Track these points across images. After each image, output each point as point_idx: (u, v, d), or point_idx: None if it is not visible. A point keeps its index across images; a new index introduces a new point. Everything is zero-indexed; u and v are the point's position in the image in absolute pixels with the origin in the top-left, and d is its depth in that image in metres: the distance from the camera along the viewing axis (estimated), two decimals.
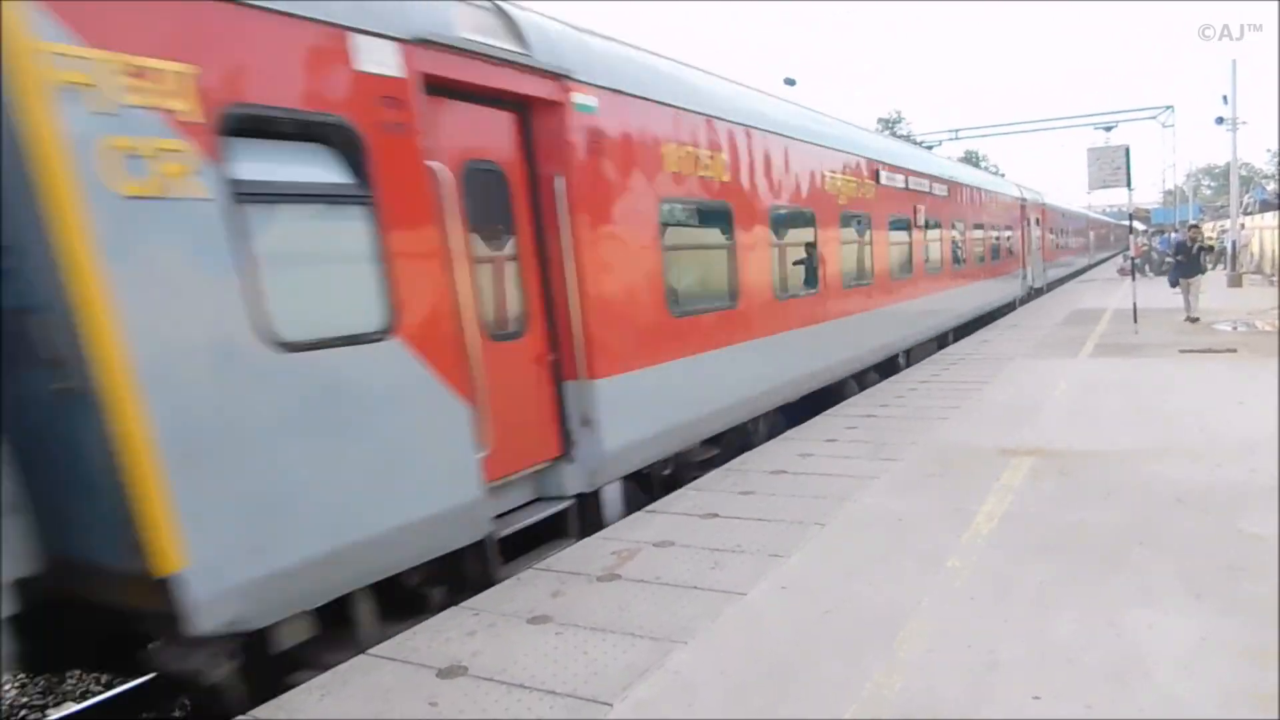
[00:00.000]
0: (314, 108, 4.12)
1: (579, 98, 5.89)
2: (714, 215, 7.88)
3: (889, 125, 67.54)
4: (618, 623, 4.30)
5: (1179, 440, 7.23)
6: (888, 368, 12.77)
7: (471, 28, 5.10)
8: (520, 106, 5.64)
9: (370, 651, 4.18)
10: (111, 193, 3.25)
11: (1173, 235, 28.48)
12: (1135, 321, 15.74)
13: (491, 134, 5.52)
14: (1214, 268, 25.20)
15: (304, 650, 4.17)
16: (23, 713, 6.36)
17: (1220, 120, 31.62)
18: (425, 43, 4.69)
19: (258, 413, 3.73)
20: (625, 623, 4.30)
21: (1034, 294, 26.09)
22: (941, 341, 16.03)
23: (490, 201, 5.46)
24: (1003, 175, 39.70)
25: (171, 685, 3.88)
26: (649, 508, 6.38)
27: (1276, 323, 15.76)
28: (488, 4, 5.39)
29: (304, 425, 3.96)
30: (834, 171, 10.30)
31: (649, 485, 6.94)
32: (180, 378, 3.44)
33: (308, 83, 4.11)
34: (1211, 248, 20.91)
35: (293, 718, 3.61)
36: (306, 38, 4.07)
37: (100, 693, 5.94)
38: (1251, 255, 32.99)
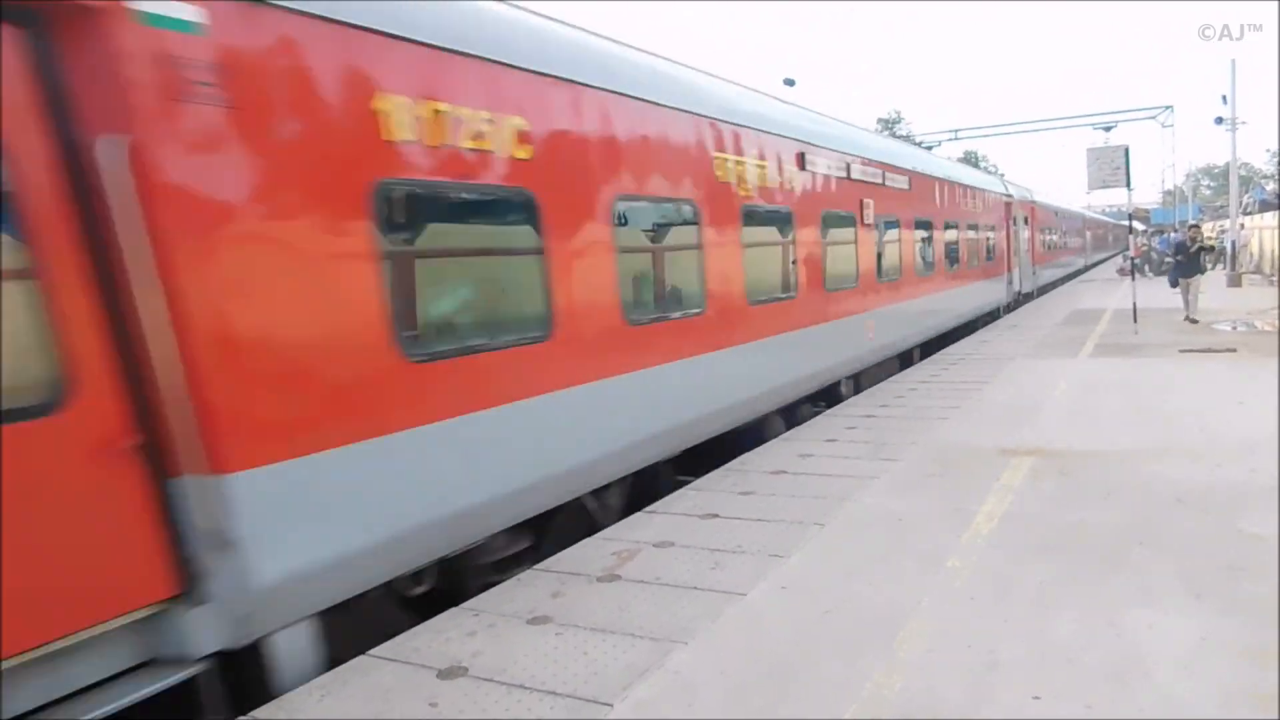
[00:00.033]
0: None
1: (155, 5, 3.60)
2: (497, 207, 5.51)
3: (889, 125, 67.59)
4: (618, 623, 4.30)
5: (1179, 440, 7.24)
6: (829, 394, 10.69)
7: None
8: (26, 18, 3.41)
9: (370, 652, 4.17)
10: None
11: (1172, 235, 28.50)
12: (1135, 321, 15.74)
13: None
14: (1213, 268, 25.21)
15: None
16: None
17: (1220, 120, 31.67)
18: None
19: None
20: (625, 623, 4.30)
21: (1022, 300, 24.03)
22: (906, 359, 13.98)
23: None
24: (1002, 175, 39.40)
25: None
26: (649, 508, 6.37)
27: (1276, 322, 15.77)
28: None
29: None
30: (732, 154, 7.93)
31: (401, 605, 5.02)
32: None
33: None
34: (1211, 248, 20.89)
35: (293, 718, 3.61)
36: None
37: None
38: (1251, 255, 33.03)
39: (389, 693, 3.74)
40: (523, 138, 5.40)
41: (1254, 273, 31.09)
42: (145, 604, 3.68)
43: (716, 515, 6.00)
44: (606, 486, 6.44)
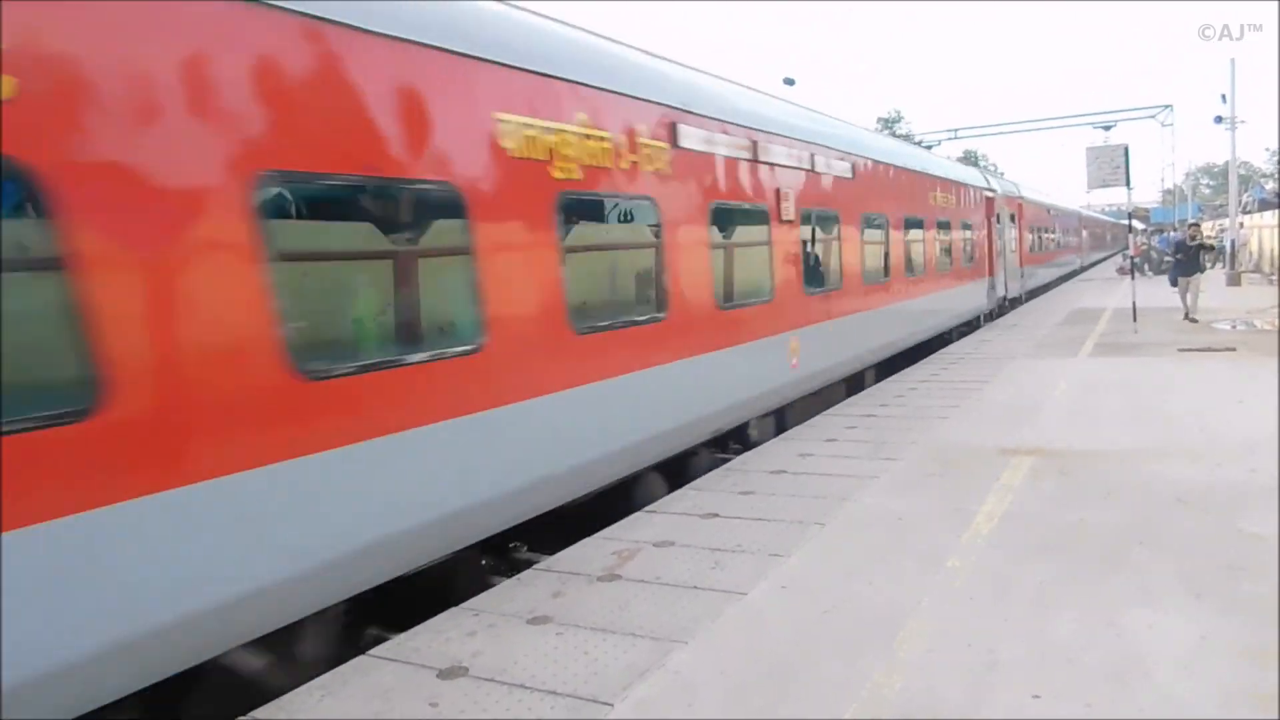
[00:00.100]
0: None
1: None
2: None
3: (889, 125, 67.51)
4: (618, 623, 4.30)
5: (1179, 440, 7.24)
6: (738, 433, 8.57)
7: None
8: None
9: (371, 652, 4.17)
10: None
11: (1172, 234, 28.54)
12: (1135, 321, 15.75)
13: None
14: (1213, 266, 25.22)
15: None
16: None
17: (1219, 119, 31.72)
18: None
19: None
20: (626, 623, 4.30)
21: (1008, 306, 21.84)
22: (856, 384, 11.72)
23: None
24: (1002, 174, 39.11)
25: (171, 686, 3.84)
26: (649, 508, 6.38)
27: (1276, 322, 15.77)
28: None
29: None
30: (542, 119, 5.61)
31: None
32: None
33: None
34: (1211, 246, 20.88)
35: (293, 718, 3.61)
36: None
37: None
38: (1250, 254, 33.05)
39: (389, 693, 3.73)
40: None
41: (1253, 271, 31.11)
42: None
43: (717, 515, 6.00)
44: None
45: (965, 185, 17.97)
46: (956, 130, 50.54)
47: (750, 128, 8.44)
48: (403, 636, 4.33)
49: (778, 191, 8.93)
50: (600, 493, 6.27)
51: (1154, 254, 32.97)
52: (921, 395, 10.45)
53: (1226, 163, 36.00)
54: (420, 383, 4.67)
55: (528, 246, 5.58)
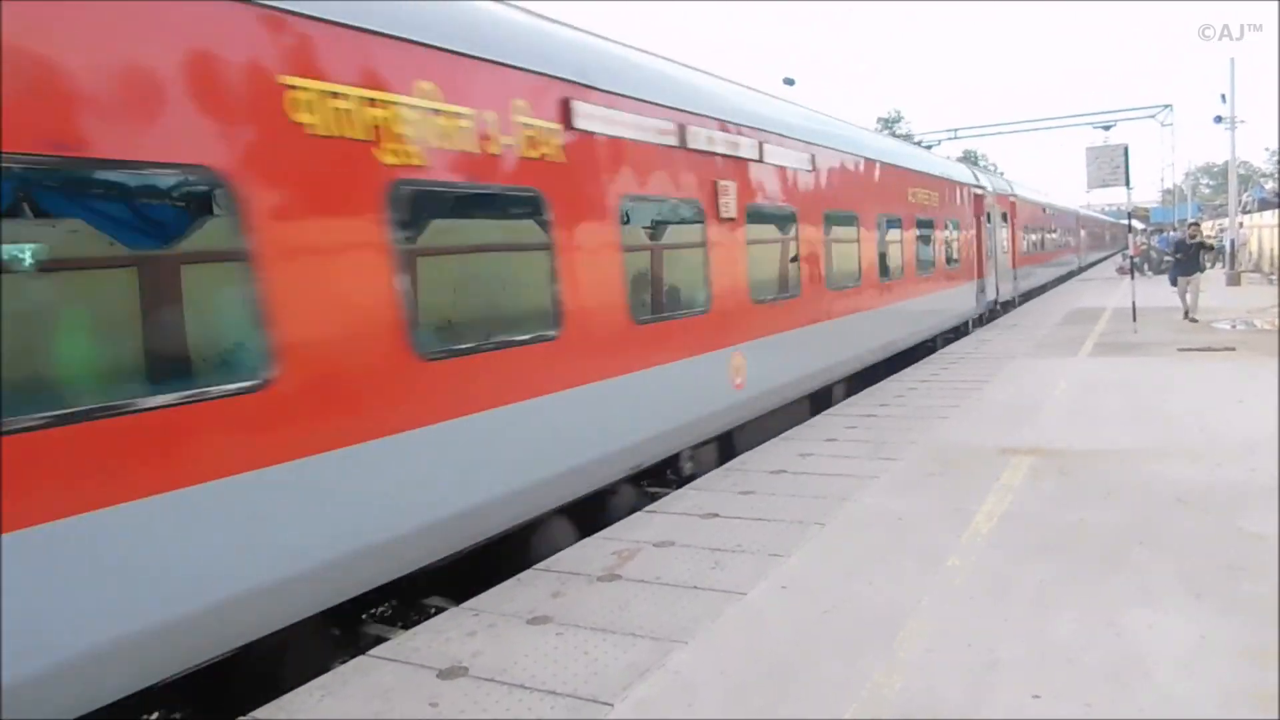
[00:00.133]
0: None
1: None
2: None
3: (889, 125, 67.52)
4: (618, 623, 4.30)
5: (1179, 440, 7.24)
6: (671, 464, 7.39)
7: None
8: None
9: (371, 652, 4.17)
10: None
11: (1171, 234, 28.54)
12: (1134, 320, 15.75)
13: None
14: (1213, 266, 25.23)
15: None
16: None
17: (1219, 119, 31.69)
18: None
19: None
20: (626, 623, 4.30)
21: (998, 310, 20.78)
22: (822, 400, 10.43)
23: None
24: (1002, 173, 38.97)
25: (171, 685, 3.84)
26: (649, 508, 6.38)
27: (1276, 321, 15.78)
28: None
29: None
30: (381, 93, 4.51)
31: None
32: None
33: None
34: (1211, 246, 20.88)
35: (293, 718, 3.61)
36: None
37: None
38: (1250, 254, 33.07)
39: (389, 693, 3.74)
40: None
41: (1253, 271, 31.13)
42: None
43: (717, 515, 6.00)
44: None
45: (951, 181, 16.76)
46: (956, 130, 50.54)
47: (679, 109, 7.14)
48: (403, 636, 4.34)
49: (715, 185, 7.61)
50: (485, 545, 5.28)
51: (1154, 254, 33.01)
52: (921, 395, 10.45)
53: (1226, 162, 35.98)
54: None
55: (337, 250, 4.31)
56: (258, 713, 3.70)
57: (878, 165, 12.34)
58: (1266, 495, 5.56)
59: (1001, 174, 35.35)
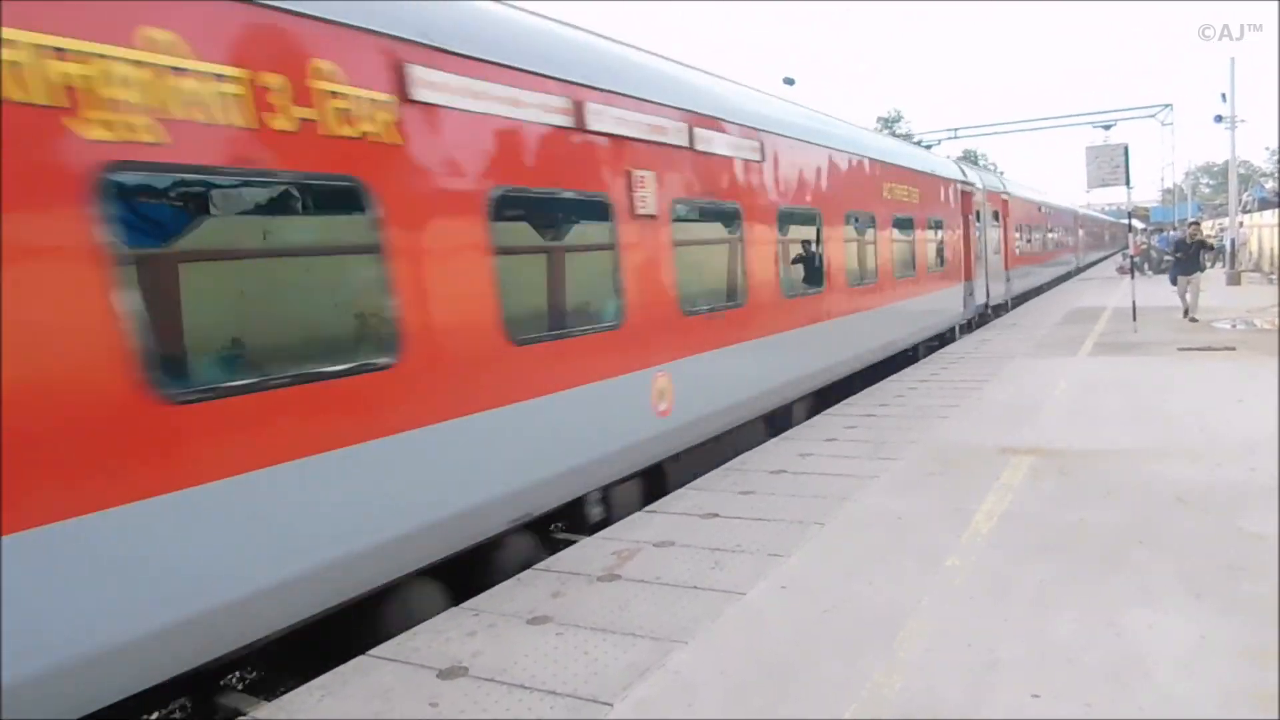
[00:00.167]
0: None
1: None
2: None
3: (889, 124, 67.47)
4: (618, 623, 4.30)
5: (1179, 440, 7.24)
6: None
7: None
8: None
9: (371, 652, 4.17)
10: None
11: (1171, 233, 28.53)
12: (1134, 320, 15.75)
13: None
14: (1213, 266, 25.22)
15: None
16: None
17: (1219, 118, 31.67)
18: None
19: None
20: (625, 623, 4.30)
21: (989, 314, 19.80)
22: (780, 420, 9.26)
23: None
24: (1002, 173, 38.81)
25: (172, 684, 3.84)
26: (649, 508, 6.38)
27: (1276, 321, 15.77)
28: None
29: None
30: (80, 42, 3.33)
31: None
32: None
33: None
34: (1211, 245, 20.86)
35: (293, 718, 3.61)
36: None
37: None
38: (1250, 253, 33.07)
39: (389, 693, 3.74)
40: None
41: (1253, 271, 31.12)
42: None
43: (716, 515, 6.00)
44: None
45: (935, 177, 15.55)
46: (956, 130, 50.52)
47: (575, 83, 5.95)
48: (403, 636, 4.34)
49: (629, 176, 6.41)
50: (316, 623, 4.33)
51: (1154, 253, 33.01)
52: (921, 395, 10.45)
53: (1226, 162, 35.99)
54: None
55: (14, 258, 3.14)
56: (257, 712, 3.70)
57: (847, 158, 11.06)
58: (1266, 495, 5.55)
59: (1001, 173, 35.20)
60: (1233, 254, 28.90)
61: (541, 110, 5.66)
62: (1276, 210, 30.35)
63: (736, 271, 8.16)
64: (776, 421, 9.19)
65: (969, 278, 17.54)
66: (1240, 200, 33.96)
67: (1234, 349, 12.35)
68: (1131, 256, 22.30)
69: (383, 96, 4.57)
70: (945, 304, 15.88)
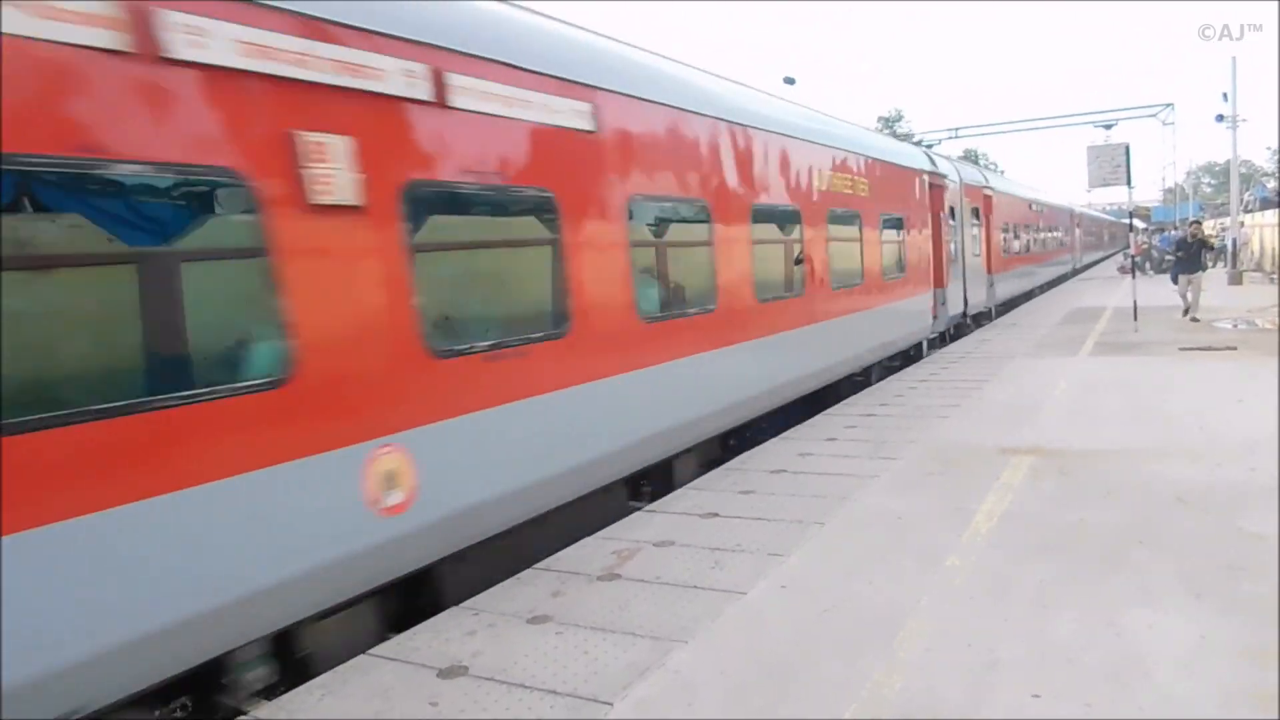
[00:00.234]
0: None
1: None
2: None
3: (889, 124, 67.41)
4: (618, 622, 4.31)
5: (1179, 440, 7.23)
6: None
7: None
8: None
9: (371, 652, 4.18)
10: None
11: (1173, 233, 28.51)
12: (1135, 320, 15.74)
13: None
14: (1214, 265, 25.19)
15: None
16: None
17: (1220, 118, 31.64)
18: None
19: None
20: (625, 622, 4.30)
21: (967, 324, 17.79)
22: (661, 475, 7.17)
23: None
24: (1002, 172, 38.48)
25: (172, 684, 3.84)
26: (649, 507, 6.38)
27: (1277, 321, 15.76)
28: None
29: None
30: None
31: None
32: None
33: None
34: (1212, 245, 20.84)
35: (293, 718, 3.61)
36: None
37: None
38: (1252, 253, 33.03)
39: (389, 692, 3.74)
40: None
41: (1255, 270, 31.09)
42: None
43: (716, 514, 6.00)
44: None
45: (893, 166, 13.23)
46: (957, 129, 50.49)
47: (413, 40, 4.65)
48: (402, 636, 4.34)
49: (288, 141, 4.02)
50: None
51: (1155, 252, 32.98)
52: (921, 394, 10.45)
53: (1228, 161, 36.01)
54: None
55: None
56: (257, 712, 3.71)
57: (756, 136, 8.51)
58: (1266, 495, 5.55)
59: (1002, 172, 35.05)
60: (1234, 253, 28.89)
61: (346, 68, 4.28)
62: (1278, 210, 30.31)
63: (550, 287, 5.83)
64: (636, 482, 6.99)
65: (940, 285, 15.32)
66: (1241, 200, 33.95)
67: (1235, 349, 12.34)
68: (1133, 256, 22.26)
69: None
70: (907, 316, 13.61)
